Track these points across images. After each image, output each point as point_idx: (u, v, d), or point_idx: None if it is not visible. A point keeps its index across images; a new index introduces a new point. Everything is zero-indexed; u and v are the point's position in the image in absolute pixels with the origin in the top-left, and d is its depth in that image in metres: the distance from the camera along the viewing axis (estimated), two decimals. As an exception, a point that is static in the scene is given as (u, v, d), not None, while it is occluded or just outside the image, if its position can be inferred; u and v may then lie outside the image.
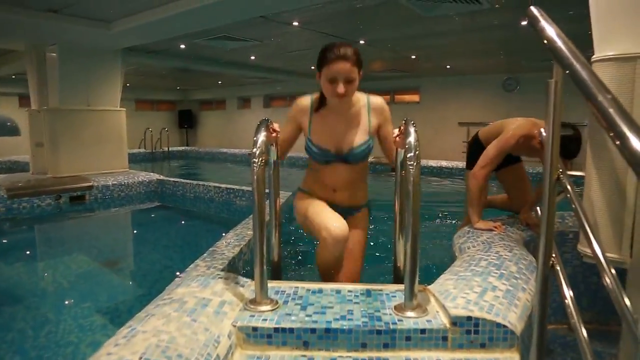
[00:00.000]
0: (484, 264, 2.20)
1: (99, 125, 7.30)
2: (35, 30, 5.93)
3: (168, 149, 15.05)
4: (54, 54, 6.76)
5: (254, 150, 1.77)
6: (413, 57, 8.67)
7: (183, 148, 16.23)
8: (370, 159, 2.31)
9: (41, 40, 6.62)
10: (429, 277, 2.94)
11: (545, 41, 1.45)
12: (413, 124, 1.76)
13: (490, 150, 2.89)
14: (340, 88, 1.97)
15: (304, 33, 6.71)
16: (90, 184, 6.46)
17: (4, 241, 4.67)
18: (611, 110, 1.08)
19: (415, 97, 12.41)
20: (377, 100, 2.21)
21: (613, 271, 1.12)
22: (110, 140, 7.46)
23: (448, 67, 10.16)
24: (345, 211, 2.30)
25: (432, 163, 9.76)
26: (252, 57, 9.22)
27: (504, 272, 2.09)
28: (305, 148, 2.25)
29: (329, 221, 2.09)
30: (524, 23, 5.81)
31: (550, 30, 1.47)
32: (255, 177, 1.77)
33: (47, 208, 5.95)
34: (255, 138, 1.82)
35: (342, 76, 1.97)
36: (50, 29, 5.84)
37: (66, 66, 6.76)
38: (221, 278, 2.00)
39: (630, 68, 2.20)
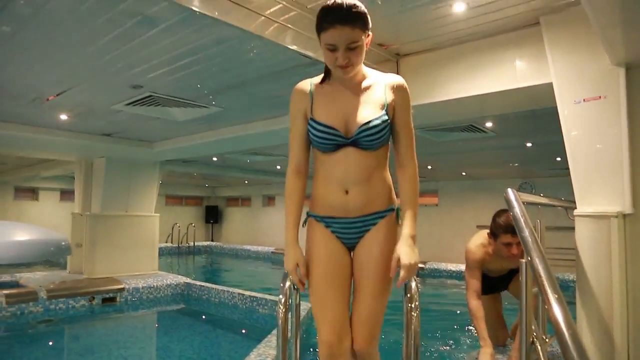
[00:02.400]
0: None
1: (134, 230, 7.83)
2: (89, 148, 6.68)
3: (194, 244, 15.53)
4: (100, 165, 7.49)
5: (280, 297, 2.10)
6: (429, 167, 9.19)
7: (208, 243, 16.69)
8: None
9: (91, 154, 7.40)
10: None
11: (517, 229, 1.81)
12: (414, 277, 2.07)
13: (465, 275, 3.24)
14: (341, 58, 1.61)
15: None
16: (122, 286, 6.81)
17: (39, 346, 4.96)
18: (550, 293, 1.39)
19: (434, 200, 12.78)
20: (396, 77, 1.79)
21: None
22: (143, 243, 7.94)
23: (464, 173, 10.63)
24: (363, 224, 1.79)
25: (452, 267, 9.86)
26: (278, 167, 9.92)
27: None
28: (308, 132, 1.78)
29: (328, 326, 1.76)
30: (529, 145, 6.28)
31: (521, 220, 1.84)
32: (279, 322, 2.08)
33: (80, 309, 6.27)
34: (281, 285, 2.16)
35: (342, 43, 1.59)
36: (101, 148, 6.59)
37: (110, 176, 7.45)
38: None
39: (606, 225, 2.54)
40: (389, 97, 1.74)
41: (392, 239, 1.77)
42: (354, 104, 1.74)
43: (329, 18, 1.58)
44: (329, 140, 1.72)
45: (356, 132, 1.70)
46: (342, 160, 1.74)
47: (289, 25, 2.85)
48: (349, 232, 1.80)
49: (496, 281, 3.38)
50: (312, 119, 1.76)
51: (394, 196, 1.87)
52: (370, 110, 1.72)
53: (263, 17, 2.71)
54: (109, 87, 3.86)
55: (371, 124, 1.69)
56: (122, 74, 3.50)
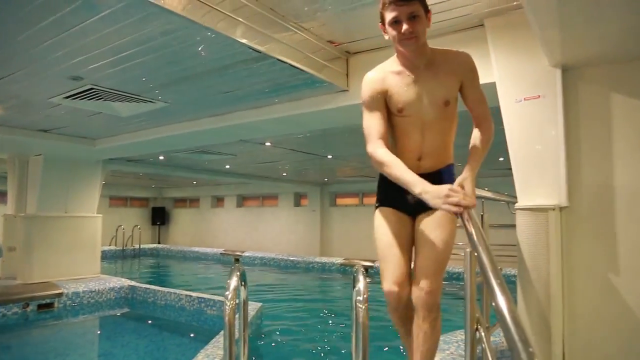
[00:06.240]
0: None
1: (74, 232, 7.44)
2: (24, 144, 6.29)
3: (139, 246, 15.01)
4: (37, 163, 7.07)
5: (227, 293, 2.07)
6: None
7: (154, 246, 16.18)
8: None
9: (27, 151, 6.97)
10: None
11: (462, 220, 1.85)
12: (363, 272, 2.12)
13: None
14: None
15: (276, 149, 7.30)
16: (60, 291, 6.46)
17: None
18: (494, 281, 1.43)
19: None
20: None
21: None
22: (84, 246, 7.56)
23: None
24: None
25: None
26: (227, 166, 9.77)
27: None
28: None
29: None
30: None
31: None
32: (226, 318, 2.05)
33: (12, 317, 5.89)
34: (228, 281, 2.13)
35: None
36: (38, 145, 6.22)
37: (48, 175, 7.05)
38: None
39: (544, 218, 2.66)
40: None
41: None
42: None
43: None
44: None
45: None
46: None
47: (239, 18, 2.80)
48: None
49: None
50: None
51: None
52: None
53: (212, 9, 2.65)
54: (45, 78, 3.64)
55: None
56: (60, 64, 3.31)
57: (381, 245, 1.98)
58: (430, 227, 1.92)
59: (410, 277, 1.94)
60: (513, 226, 2.87)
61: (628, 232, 2.57)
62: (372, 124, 1.95)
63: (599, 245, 2.63)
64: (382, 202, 2.07)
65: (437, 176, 1.95)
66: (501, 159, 7.79)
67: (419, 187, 1.74)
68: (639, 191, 2.58)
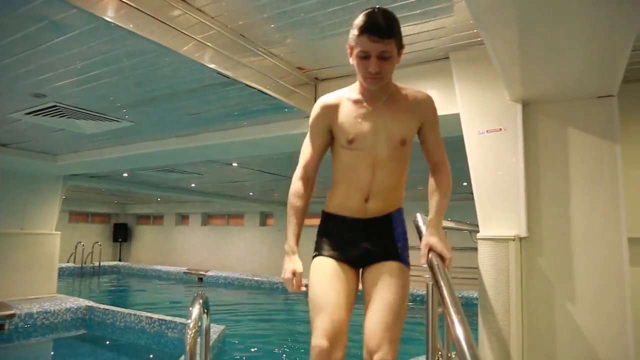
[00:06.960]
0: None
1: (30, 249, 7.14)
2: (-22, 158, 6.04)
3: (99, 264, 14.54)
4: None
5: (188, 321, 2.03)
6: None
7: (115, 263, 15.71)
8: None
9: (-19, 165, 6.69)
10: None
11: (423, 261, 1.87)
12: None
13: None
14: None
15: (243, 170, 7.27)
16: (13, 311, 6.17)
17: None
18: (454, 316, 1.46)
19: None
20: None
21: None
22: (41, 264, 7.26)
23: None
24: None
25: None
26: (193, 185, 9.64)
27: None
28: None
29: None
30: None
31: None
32: (187, 347, 2.01)
33: (-42, 340, 5.60)
34: (190, 309, 2.08)
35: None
36: (-5, 158, 5.99)
37: (4, 190, 6.77)
38: None
39: (505, 248, 2.73)
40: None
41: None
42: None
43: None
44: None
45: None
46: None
47: (208, 44, 2.80)
48: None
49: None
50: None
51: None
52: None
53: (181, 33, 2.65)
54: (6, 94, 3.53)
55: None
56: (22, 80, 3.22)
57: (314, 296, 1.68)
58: (381, 285, 1.69)
59: (345, 338, 1.61)
60: (475, 249, 2.92)
61: (583, 262, 2.67)
62: (305, 149, 1.92)
63: (556, 276, 2.72)
64: (321, 250, 1.83)
65: (388, 220, 1.81)
66: (464, 183, 7.96)
67: (287, 253, 1.84)
68: (594, 222, 2.70)
